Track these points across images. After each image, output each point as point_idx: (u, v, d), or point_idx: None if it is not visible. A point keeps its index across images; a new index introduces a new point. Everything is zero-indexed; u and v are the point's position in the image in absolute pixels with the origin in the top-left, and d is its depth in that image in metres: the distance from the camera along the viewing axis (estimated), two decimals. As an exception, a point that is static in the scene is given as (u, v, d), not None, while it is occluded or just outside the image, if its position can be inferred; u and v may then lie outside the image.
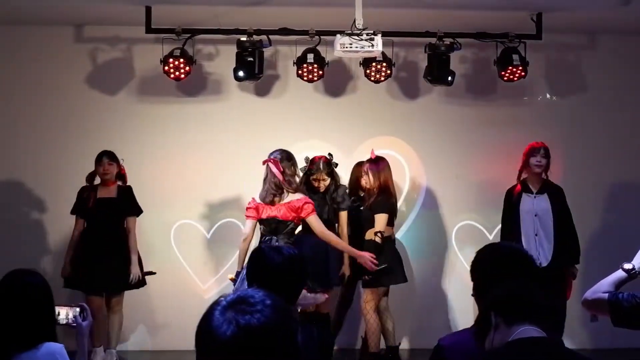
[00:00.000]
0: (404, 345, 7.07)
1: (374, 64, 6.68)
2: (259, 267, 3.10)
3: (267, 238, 5.59)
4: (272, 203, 5.61)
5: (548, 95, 7.44)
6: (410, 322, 7.10)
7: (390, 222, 6.33)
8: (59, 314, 3.45)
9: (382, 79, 6.79)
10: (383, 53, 6.42)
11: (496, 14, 6.56)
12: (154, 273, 6.52)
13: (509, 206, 6.35)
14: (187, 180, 7.15)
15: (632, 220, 7.16)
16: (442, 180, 7.32)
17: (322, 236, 5.72)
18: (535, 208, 6.24)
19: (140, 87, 7.20)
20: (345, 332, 6.79)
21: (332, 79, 7.08)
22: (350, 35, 5.88)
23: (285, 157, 5.69)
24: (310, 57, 6.62)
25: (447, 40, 6.70)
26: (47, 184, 7.08)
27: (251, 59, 6.53)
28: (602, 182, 7.30)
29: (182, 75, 6.66)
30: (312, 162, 6.36)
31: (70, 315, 3.48)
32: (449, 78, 6.76)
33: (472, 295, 2.79)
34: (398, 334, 6.54)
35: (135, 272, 6.30)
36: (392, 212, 6.34)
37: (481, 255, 2.80)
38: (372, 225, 6.20)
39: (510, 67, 6.74)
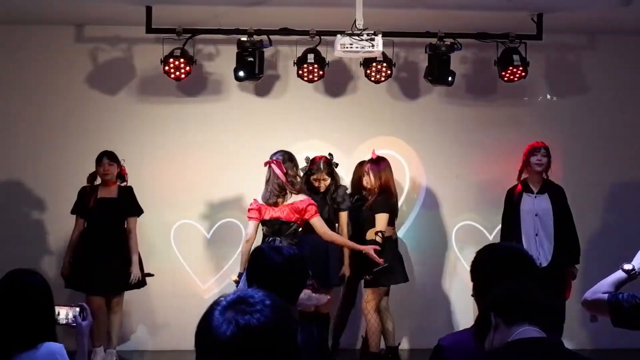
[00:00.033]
0: (404, 345, 7.07)
1: (374, 64, 6.68)
2: (259, 267, 3.09)
3: (270, 239, 5.59)
4: (275, 204, 5.61)
5: (548, 96, 7.44)
6: (410, 322, 7.10)
7: (391, 222, 6.33)
8: (58, 314, 3.45)
9: (383, 79, 6.79)
10: (383, 53, 6.42)
11: (497, 15, 6.56)
12: (152, 275, 6.52)
13: (510, 206, 6.35)
14: (187, 180, 7.15)
15: (632, 220, 7.16)
16: (442, 180, 7.32)
17: (325, 237, 5.75)
18: (535, 208, 6.24)
19: (141, 87, 7.20)
20: (345, 332, 6.78)
21: (333, 79, 7.08)
22: (350, 35, 5.88)
23: (287, 158, 5.69)
24: (310, 57, 6.62)
25: (448, 41, 6.70)
26: (47, 184, 7.08)
27: (251, 59, 6.53)
28: (602, 182, 7.30)
29: (183, 75, 6.66)
30: (312, 162, 6.37)
31: (70, 315, 3.48)
32: (450, 78, 6.76)
33: (472, 295, 2.79)
34: (398, 334, 6.54)
35: (136, 272, 6.30)
36: (392, 212, 6.34)
37: (481, 255, 2.80)
38: (372, 225, 6.21)
39: (510, 68, 6.74)
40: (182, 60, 6.59)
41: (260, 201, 5.67)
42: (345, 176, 6.86)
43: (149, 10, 6.53)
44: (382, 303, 6.37)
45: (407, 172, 7.31)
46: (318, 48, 6.67)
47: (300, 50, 6.72)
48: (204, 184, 7.17)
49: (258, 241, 5.73)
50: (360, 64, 6.84)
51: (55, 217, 6.93)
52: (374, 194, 6.29)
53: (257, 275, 3.07)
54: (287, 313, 1.64)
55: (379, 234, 6.12)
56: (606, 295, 2.86)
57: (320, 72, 6.68)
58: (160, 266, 6.86)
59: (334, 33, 6.07)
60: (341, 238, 6.10)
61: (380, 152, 6.59)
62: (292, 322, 1.64)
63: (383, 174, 6.34)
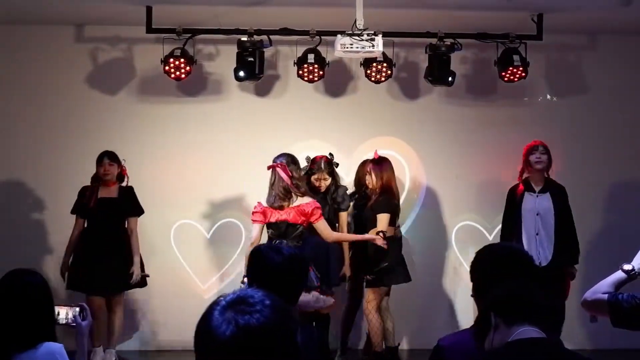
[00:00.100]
0: (404, 345, 7.07)
1: (374, 64, 6.67)
2: (259, 267, 3.09)
3: (276, 242, 5.58)
4: (280, 208, 5.61)
5: (548, 96, 7.44)
6: (410, 322, 7.10)
7: (392, 222, 6.33)
8: (58, 314, 3.45)
9: (383, 79, 6.79)
10: (384, 53, 6.42)
11: (497, 15, 6.56)
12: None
13: (511, 205, 6.35)
14: (187, 180, 7.15)
15: (632, 220, 7.16)
16: (442, 180, 7.32)
17: (330, 240, 5.82)
18: (537, 207, 6.24)
19: (141, 87, 7.20)
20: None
21: (333, 79, 7.08)
22: (351, 35, 5.88)
23: (291, 161, 5.70)
24: (310, 58, 6.62)
25: (448, 41, 6.70)
26: (47, 184, 7.08)
27: (252, 59, 6.53)
28: (602, 182, 7.30)
29: (183, 75, 6.66)
30: (313, 162, 6.38)
31: (70, 315, 3.48)
32: (450, 78, 6.76)
33: (472, 295, 2.79)
34: (398, 334, 6.55)
35: (137, 273, 6.30)
36: (394, 212, 6.35)
37: (481, 255, 2.80)
38: (374, 225, 6.21)
39: (510, 68, 6.74)
40: (182, 60, 6.59)
41: (264, 204, 5.67)
42: (345, 176, 6.86)
43: (149, 10, 6.54)
44: (382, 303, 6.37)
45: (407, 172, 7.31)
46: (318, 48, 6.66)
47: (300, 50, 6.72)
48: (204, 184, 7.17)
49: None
50: (361, 64, 6.84)
51: (55, 217, 6.92)
52: (376, 194, 6.30)
53: (257, 275, 3.06)
54: (286, 313, 1.64)
55: (380, 234, 6.12)
56: (606, 295, 2.86)
57: (321, 72, 6.68)
58: (160, 266, 6.86)
59: (334, 33, 6.07)
60: (344, 235, 6.19)
61: (380, 152, 6.59)
62: (292, 322, 1.64)
63: (385, 174, 6.34)
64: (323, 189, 6.34)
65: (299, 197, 5.62)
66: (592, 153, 7.30)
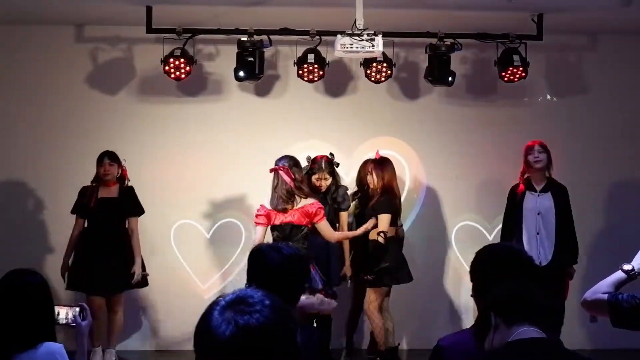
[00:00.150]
0: (404, 345, 7.07)
1: (374, 64, 6.67)
2: (259, 266, 3.08)
3: (282, 244, 5.58)
4: (284, 210, 5.61)
5: (548, 96, 7.44)
6: (410, 322, 7.10)
7: (393, 222, 6.33)
8: (58, 314, 3.46)
9: (383, 79, 6.78)
10: (383, 53, 6.42)
11: (497, 15, 6.56)
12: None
13: (512, 204, 6.35)
14: (187, 180, 7.14)
15: (632, 220, 7.16)
16: (442, 180, 7.32)
17: (333, 241, 5.85)
18: (538, 206, 6.24)
19: (141, 87, 7.20)
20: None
21: (333, 79, 7.08)
22: (350, 35, 5.88)
23: (293, 164, 5.71)
24: (310, 58, 6.62)
25: (448, 41, 6.70)
26: (47, 184, 7.08)
27: (252, 59, 6.53)
28: (602, 182, 7.30)
29: (183, 75, 6.66)
30: (314, 162, 6.38)
31: (70, 315, 3.48)
32: (450, 78, 6.76)
33: (472, 295, 2.79)
34: (398, 334, 6.54)
35: (139, 273, 6.30)
36: (395, 212, 6.35)
37: (480, 255, 2.80)
38: (375, 225, 6.20)
39: (510, 68, 6.74)
40: (182, 60, 6.59)
41: (267, 206, 5.67)
42: (345, 176, 6.86)
43: (149, 10, 6.53)
44: (382, 303, 6.37)
45: (407, 172, 7.31)
46: (318, 48, 6.66)
47: (300, 50, 6.72)
48: (204, 184, 7.17)
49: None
50: (361, 64, 6.83)
51: (55, 217, 6.92)
52: (377, 194, 6.30)
53: (257, 275, 3.06)
54: (286, 313, 1.64)
55: (381, 234, 6.12)
56: (606, 295, 2.86)
57: (321, 72, 6.68)
58: (161, 266, 6.86)
59: (334, 33, 6.06)
60: (345, 233, 6.22)
61: (380, 152, 6.59)
62: (291, 322, 1.64)
63: (386, 175, 6.34)
64: (323, 189, 6.35)
65: (302, 199, 5.63)
66: (592, 153, 7.30)
